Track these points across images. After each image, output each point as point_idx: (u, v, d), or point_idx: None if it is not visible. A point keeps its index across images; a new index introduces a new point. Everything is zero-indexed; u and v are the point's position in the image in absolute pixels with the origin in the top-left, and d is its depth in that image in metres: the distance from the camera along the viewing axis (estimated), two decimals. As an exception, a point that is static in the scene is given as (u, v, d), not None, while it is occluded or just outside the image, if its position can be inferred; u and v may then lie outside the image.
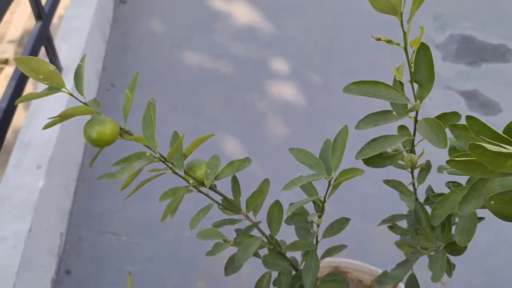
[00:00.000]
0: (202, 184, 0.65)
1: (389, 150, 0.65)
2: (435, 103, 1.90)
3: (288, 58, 2.13)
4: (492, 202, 0.40)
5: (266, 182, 0.71)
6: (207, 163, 0.65)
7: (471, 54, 2.21)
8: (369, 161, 0.64)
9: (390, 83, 0.60)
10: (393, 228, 0.78)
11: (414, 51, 0.55)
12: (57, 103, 1.48)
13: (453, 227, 0.66)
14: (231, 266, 0.73)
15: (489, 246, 1.44)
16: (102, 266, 1.36)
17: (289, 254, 0.78)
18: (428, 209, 0.69)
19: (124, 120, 0.59)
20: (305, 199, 0.65)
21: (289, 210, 0.64)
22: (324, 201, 0.68)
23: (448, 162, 0.40)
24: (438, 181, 0.75)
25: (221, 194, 0.69)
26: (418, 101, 0.58)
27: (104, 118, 0.56)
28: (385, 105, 0.62)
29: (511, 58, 2.20)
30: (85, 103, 0.57)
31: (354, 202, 1.53)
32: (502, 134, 0.38)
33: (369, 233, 1.45)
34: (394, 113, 0.60)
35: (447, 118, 0.60)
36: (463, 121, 0.47)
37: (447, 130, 0.56)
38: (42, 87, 1.54)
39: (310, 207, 0.74)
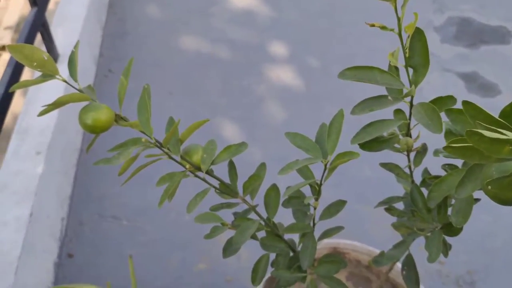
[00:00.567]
0: (199, 169, 0.65)
1: (385, 134, 0.65)
2: (434, 86, 1.90)
3: (287, 42, 2.12)
4: (489, 187, 0.40)
5: (262, 166, 0.72)
6: (203, 148, 0.65)
7: (470, 36, 2.20)
8: (365, 146, 0.64)
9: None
10: (390, 210, 0.79)
11: (408, 36, 0.55)
12: (55, 89, 1.48)
13: (449, 209, 0.67)
14: (229, 248, 0.75)
15: (488, 227, 1.46)
16: (103, 249, 1.38)
17: (286, 237, 0.79)
18: (425, 191, 0.69)
19: (119, 106, 0.59)
20: (302, 183, 0.65)
21: (286, 193, 0.65)
22: (321, 184, 0.69)
23: (444, 148, 0.40)
24: (434, 164, 0.76)
25: (217, 179, 0.69)
26: (413, 86, 0.58)
27: (99, 105, 0.56)
28: (383, 89, 0.62)
29: (511, 40, 2.19)
30: (79, 90, 0.57)
31: (351, 186, 1.54)
32: (498, 119, 0.38)
33: (366, 215, 1.46)
34: (389, 98, 0.60)
35: (443, 102, 0.60)
36: (459, 104, 0.46)
37: (443, 114, 0.56)
38: (39, 74, 1.54)
39: (307, 191, 0.75)
